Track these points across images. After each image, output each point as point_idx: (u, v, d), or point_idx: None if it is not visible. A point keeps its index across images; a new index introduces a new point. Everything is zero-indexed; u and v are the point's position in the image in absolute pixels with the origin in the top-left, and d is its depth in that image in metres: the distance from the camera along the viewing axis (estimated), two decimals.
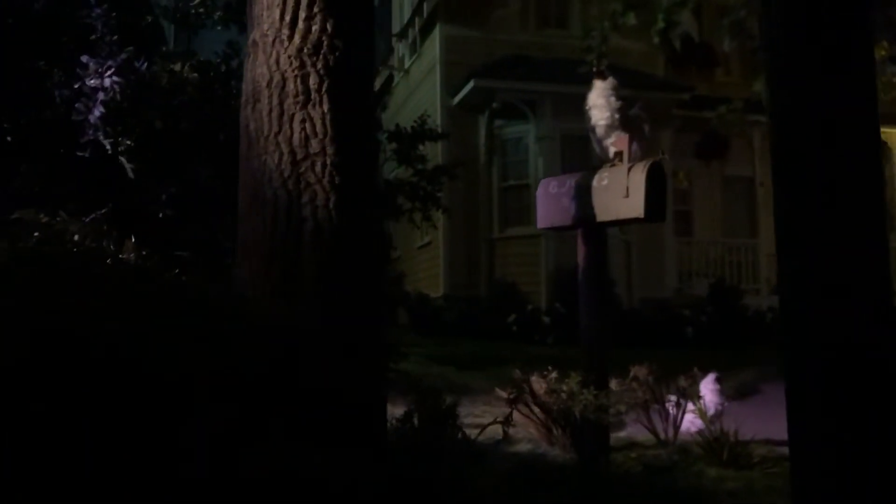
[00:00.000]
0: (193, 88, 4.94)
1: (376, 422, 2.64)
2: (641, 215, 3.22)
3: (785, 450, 4.61)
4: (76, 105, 4.04)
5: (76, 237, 3.00)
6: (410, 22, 14.23)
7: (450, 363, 7.77)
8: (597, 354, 3.42)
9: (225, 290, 2.67)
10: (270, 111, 2.69)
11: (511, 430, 4.05)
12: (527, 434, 3.96)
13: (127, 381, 1.30)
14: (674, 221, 13.52)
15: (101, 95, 4.04)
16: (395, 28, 15.82)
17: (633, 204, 3.24)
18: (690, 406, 3.86)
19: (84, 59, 4.04)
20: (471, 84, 11.89)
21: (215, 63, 5.10)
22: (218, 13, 5.81)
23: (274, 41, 2.72)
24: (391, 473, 2.40)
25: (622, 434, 4.80)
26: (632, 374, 3.75)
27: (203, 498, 1.41)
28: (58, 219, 3.14)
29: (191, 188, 4.62)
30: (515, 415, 3.52)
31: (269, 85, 2.71)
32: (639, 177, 3.24)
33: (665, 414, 3.83)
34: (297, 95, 2.68)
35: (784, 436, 4.99)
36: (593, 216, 3.40)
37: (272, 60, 2.71)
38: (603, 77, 3.47)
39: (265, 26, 2.74)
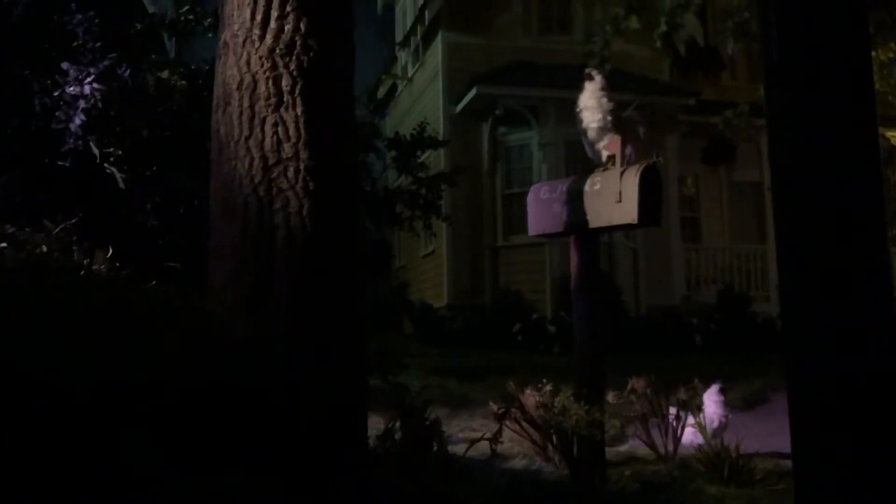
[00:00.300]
0: (181, 96, 4.84)
1: (352, 441, 2.50)
2: (635, 220, 3.09)
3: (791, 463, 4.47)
4: (56, 113, 3.94)
5: (43, 248, 2.90)
6: (412, 30, 14.16)
7: (451, 374, 7.62)
8: (591, 366, 3.28)
9: (188, 303, 2.54)
10: (241, 114, 2.58)
11: (507, 445, 3.91)
12: (522, 449, 3.81)
13: (35, 403, 1.18)
14: (681, 228, 13.36)
15: (81, 103, 3.94)
16: (399, 36, 15.76)
17: (626, 209, 3.11)
18: (691, 419, 3.71)
19: (64, 65, 3.94)
20: (473, 91, 11.78)
21: (204, 70, 5.00)
22: (209, 20, 5.71)
23: (245, 42, 2.60)
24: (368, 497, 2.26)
25: (623, 448, 4.65)
26: (630, 385, 3.60)
27: None
28: (27, 229, 3.04)
29: (177, 197, 4.51)
30: (510, 429, 3.37)
31: (239, 87, 2.59)
32: (632, 180, 3.11)
33: (665, 428, 3.67)
34: (268, 98, 2.56)
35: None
36: (585, 222, 3.27)
37: (242, 62, 2.59)
38: (591, 78, 3.34)
39: (235, 26, 2.63)
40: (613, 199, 3.15)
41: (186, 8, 5.55)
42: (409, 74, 14.90)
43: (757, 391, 7.42)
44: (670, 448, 3.77)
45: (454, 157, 11.27)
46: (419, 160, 8.05)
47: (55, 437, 1.22)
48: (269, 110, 2.56)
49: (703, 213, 14.19)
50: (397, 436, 2.82)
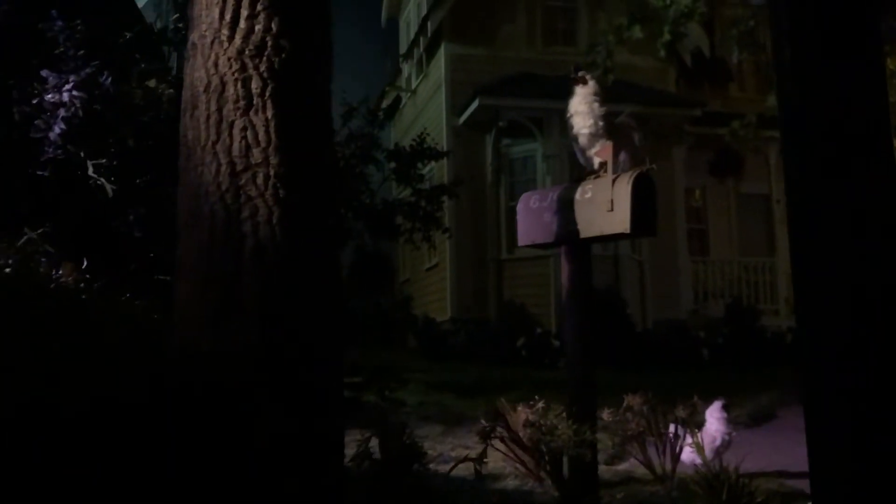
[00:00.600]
0: (169, 105, 4.75)
1: (322, 464, 2.36)
2: (627, 230, 2.95)
3: (797, 483, 4.29)
4: (36, 122, 3.85)
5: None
6: (416, 41, 14.09)
7: (451, 389, 7.47)
8: (583, 382, 3.14)
9: (149, 316, 2.42)
10: (208, 118, 2.45)
11: (500, 464, 3.76)
12: (513, 469, 3.65)
13: None
14: (688, 240, 13.20)
15: (62, 112, 3.85)
16: (404, 49, 15.70)
17: (618, 218, 2.97)
18: (690, 438, 3.55)
19: (44, 73, 3.86)
20: (476, 102, 11.69)
21: None
22: None
23: (213, 42, 2.48)
24: None
25: (622, 467, 4.49)
26: (625, 402, 3.44)
27: None
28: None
29: (162, 208, 4.40)
30: (502, 449, 3.22)
31: (206, 90, 2.47)
32: (624, 188, 2.97)
33: (662, 446, 3.51)
34: (237, 101, 2.44)
35: (799, 467, 4.64)
36: (576, 232, 3.13)
37: (210, 63, 2.47)
38: (584, 82, 3.20)
39: (203, 27, 2.51)
40: (605, 207, 3.01)
41: (176, 16, 5.47)
42: (413, 86, 14.84)
43: (764, 407, 7.23)
44: (669, 468, 3.60)
45: (457, 169, 11.16)
46: (419, 171, 7.96)
47: None
48: (238, 114, 2.43)
49: (710, 225, 14.03)
50: (376, 456, 2.68)
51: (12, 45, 4.05)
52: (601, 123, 3.14)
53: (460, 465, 3.47)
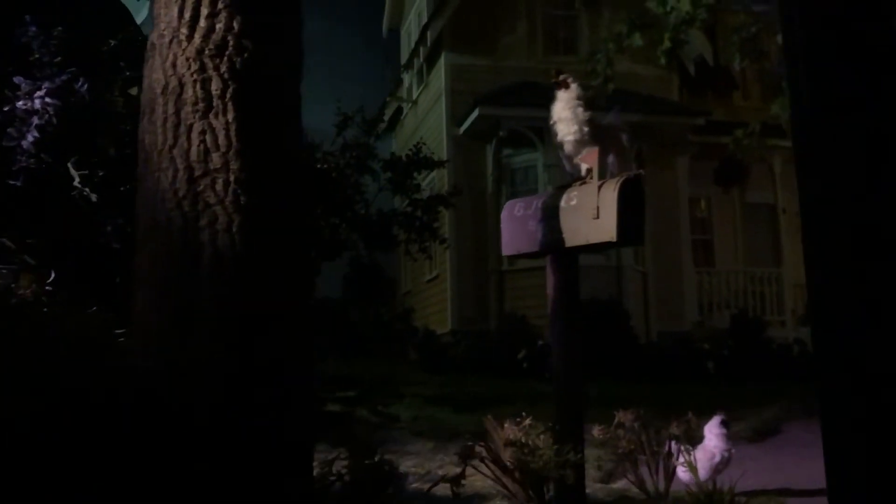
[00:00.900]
0: None
1: (286, 485, 2.22)
2: (614, 238, 2.80)
3: (800, 502, 4.12)
4: (8, 130, 3.73)
5: None
6: (416, 51, 14.01)
7: (447, 403, 7.32)
8: (569, 399, 2.99)
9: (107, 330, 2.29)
10: (165, 121, 2.33)
11: (490, 483, 3.61)
12: (500, 489, 3.50)
13: None
14: (693, 251, 13.03)
15: (35, 119, 3.74)
16: (405, 59, 15.63)
17: (604, 226, 2.82)
18: (683, 456, 3.39)
19: (17, 79, 3.75)
20: (476, 112, 11.58)
21: None
22: None
23: (171, 42, 2.37)
24: None
25: (617, 485, 4.33)
26: (616, 419, 3.29)
27: None
28: None
29: None
30: (483, 470, 3.07)
31: (164, 92, 2.35)
32: (610, 195, 2.83)
33: (655, 465, 3.36)
34: (196, 103, 2.32)
35: (802, 484, 4.47)
36: (562, 240, 2.98)
37: (168, 64, 2.35)
38: (566, 86, 3.07)
39: (162, 26, 2.40)
40: (591, 215, 2.87)
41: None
42: (414, 97, 14.75)
43: (768, 421, 7.04)
44: (662, 487, 3.44)
45: (458, 179, 11.04)
46: (415, 181, 7.84)
47: None
48: (197, 116, 2.31)
49: (715, 235, 13.86)
50: (347, 478, 2.53)
51: None
52: (586, 129, 3.00)
53: (446, 485, 3.32)
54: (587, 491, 3.38)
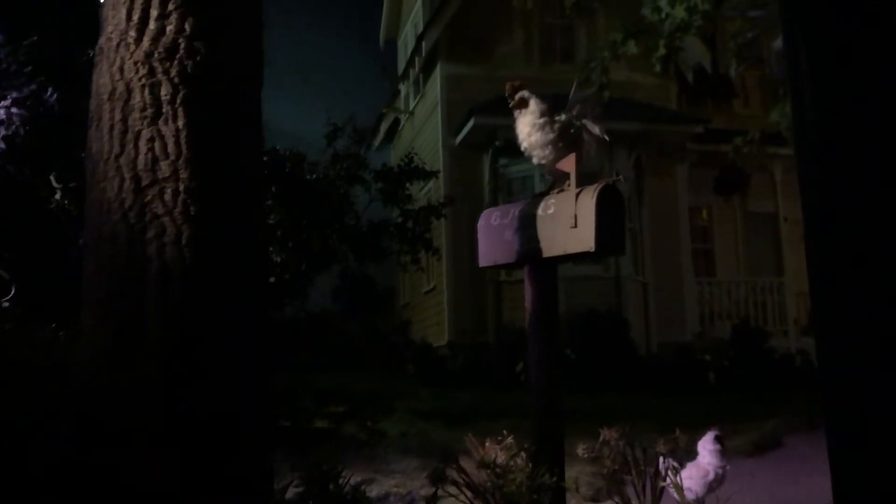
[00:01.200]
0: None
1: None
2: (592, 248, 2.67)
3: None
4: None
5: None
6: (411, 62, 13.93)
7: (440, 417, 7.17)
8: (547, 418, 2.85)
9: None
10: (112, 128, 2.21)
11: None
12: None
13: None
14: (693, 260, 12.88)
15: (1, 129, 3.64)
16: (402, 70, 15.56)
17: (582, 235, 2.70)
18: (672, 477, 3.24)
19: None
20: (471, 122, 11.48)
21: None
22: None
23: (118, 45, 2.25)
24: None
25: None
26: (601, 437, 3.14)
27: None
28: None
29: None
30: (455, 494, 2.92)
31: (111, 97, 2.23)
32: (588, 203, 2.70)
33: (641, 485, 3.21)
34: (144, 109, 2.20)
35: (802, 500, 4.32)
36: (539, 251, 2.86)
37: (115, 69, 2.24)
38: (525, 105, 2.94)
39: (110, 29, 2.28)
40: (569, 223, 2.74)
41: None
42: (411, 107, 14.66)
43: (769, 434, 6.87)
44: None
45: (454, 189, 10.93)
46: (407, 192, 7.73)
47: None
48: (145, 123, 2.19)
49: (716, 244, 13.71)
50: None
51: None
52: (560, 144, 2.89)
53: None
54: None
